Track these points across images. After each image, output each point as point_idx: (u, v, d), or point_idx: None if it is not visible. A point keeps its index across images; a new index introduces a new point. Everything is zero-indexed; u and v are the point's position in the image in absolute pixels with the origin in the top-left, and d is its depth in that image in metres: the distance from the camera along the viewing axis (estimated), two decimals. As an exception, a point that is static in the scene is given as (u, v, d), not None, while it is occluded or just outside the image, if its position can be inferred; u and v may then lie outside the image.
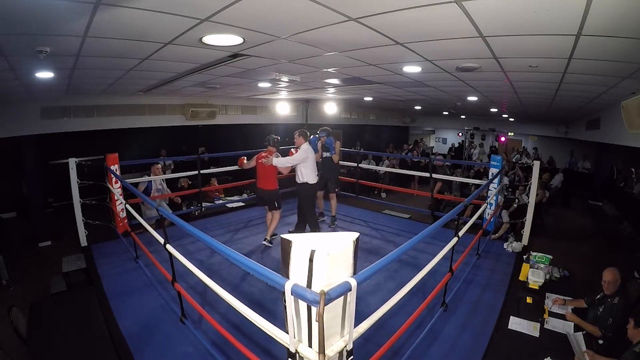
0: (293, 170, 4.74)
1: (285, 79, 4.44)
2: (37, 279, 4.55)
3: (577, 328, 2.84)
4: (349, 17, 2.03)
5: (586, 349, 2.52)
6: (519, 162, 11.01)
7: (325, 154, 5.23)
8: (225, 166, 6.14)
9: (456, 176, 7.23)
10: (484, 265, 4.12)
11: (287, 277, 1.45)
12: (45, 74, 3.50)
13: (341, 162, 8.23)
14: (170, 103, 7.10)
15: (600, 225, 7.68)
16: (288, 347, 1.48)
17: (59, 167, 4.90)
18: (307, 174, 4.51)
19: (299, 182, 4.60)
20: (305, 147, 4.50)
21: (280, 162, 4.37)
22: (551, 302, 3.20)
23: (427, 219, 5.89)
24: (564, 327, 2.89)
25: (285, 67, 3.81)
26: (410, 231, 5.20)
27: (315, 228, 4.69)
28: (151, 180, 5.13)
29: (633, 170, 8.33)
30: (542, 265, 3.78)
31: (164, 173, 5.16)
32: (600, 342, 2.69)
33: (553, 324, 2.92)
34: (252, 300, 3.28)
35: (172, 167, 7.96)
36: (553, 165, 11.93)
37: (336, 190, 5.56)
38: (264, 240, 4.56)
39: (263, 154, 4.39)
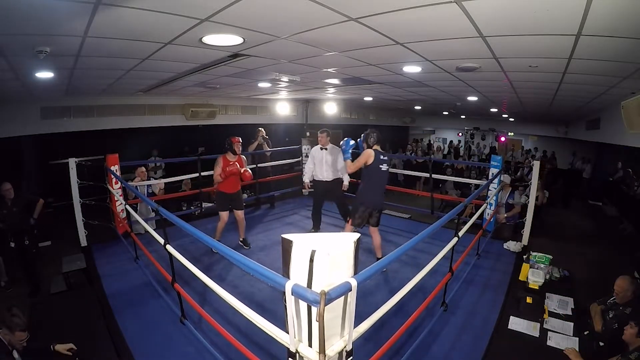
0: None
1: (285, 79, 4.44)
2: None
3: (575, 333, 2.83)
4: (349, 17, 2.03)
5: (586, 349, 2.51)
6: (518, 163, 11.03)
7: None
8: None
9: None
10: (484, 265, 4.12)
11: (288, 276, 1.45)
12: (45, 74, 3.50)
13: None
14: (170, 103, 7.09)
15: (600, 225, 7.67)
16: (288, 346, 1.48)
17: (59, 167, 4.90)
18: None
19: None
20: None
21: None
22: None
23: (427, 219, 5.88)
24: (563, 327, 2.89)
25: (285, 67, 3.81)
26: (410, 231, 5.20)
27: None
28: (136, 188, 4.61)
29: (630, 170, 8.31)
30: (542, 265, 3.78)
31: (155, 173, 5.07)
32: (602, 344, 2.68)
33: (553, 324, 2.92)
34: (252, 300, 3.28)
35: (163, 166, 7.86)
36: (554, 164, 11.90)
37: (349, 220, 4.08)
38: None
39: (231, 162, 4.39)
